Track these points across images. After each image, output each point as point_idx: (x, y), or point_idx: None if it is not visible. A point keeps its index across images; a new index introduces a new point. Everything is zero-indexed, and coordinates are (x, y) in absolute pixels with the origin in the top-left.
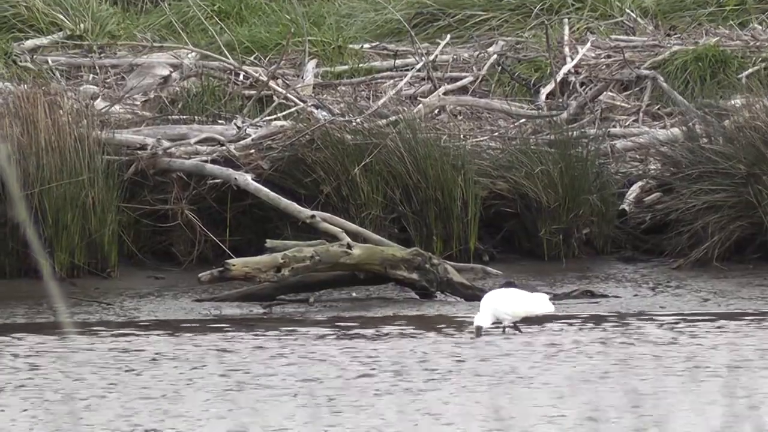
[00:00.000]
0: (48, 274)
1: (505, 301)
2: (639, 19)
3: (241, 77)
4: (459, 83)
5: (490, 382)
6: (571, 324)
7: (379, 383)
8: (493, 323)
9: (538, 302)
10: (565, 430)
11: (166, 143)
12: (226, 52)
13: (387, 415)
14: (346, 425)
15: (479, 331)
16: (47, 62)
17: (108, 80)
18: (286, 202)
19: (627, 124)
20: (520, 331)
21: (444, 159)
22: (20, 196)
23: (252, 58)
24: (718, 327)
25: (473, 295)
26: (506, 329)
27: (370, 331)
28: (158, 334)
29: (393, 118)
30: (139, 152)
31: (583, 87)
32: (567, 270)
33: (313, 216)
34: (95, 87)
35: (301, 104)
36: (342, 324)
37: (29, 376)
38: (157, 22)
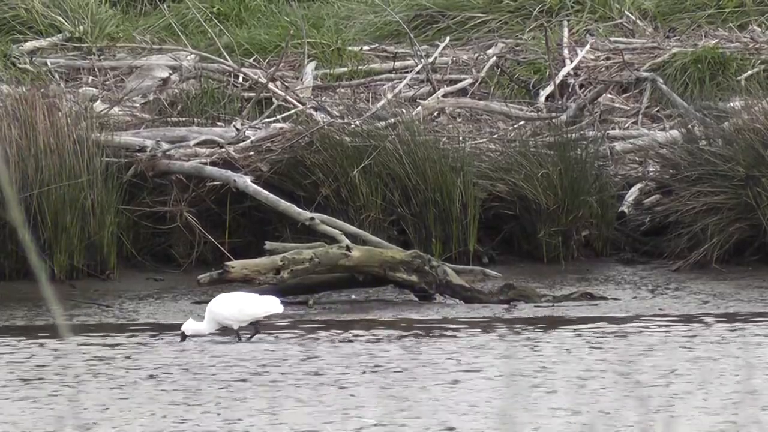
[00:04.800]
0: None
1: (225, 306)
2: (638, 21)
3: (240, 79)
4: (458, 85)
5: None
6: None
7: None
8: (221, 328)
9: (264, 304)
10: None
11: (165, 145)
12: (225, 54)
13: None
14: None
15: (183, 336)
16: (46, 64)
17: (107, 82)
18: (285, 204)
19: (626, 126)
20: (240, 339)
21: (443, 161)
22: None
23: (251, 60)
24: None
25: (472, 297)
26: (239, 334)
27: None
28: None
29: (392, 120)
30: (138, 154)
31: (583, 89)
32: (566, 272)
33: (312, 218)
34: (94, 89)
35: (301, 106)
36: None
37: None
38: (156, 24)
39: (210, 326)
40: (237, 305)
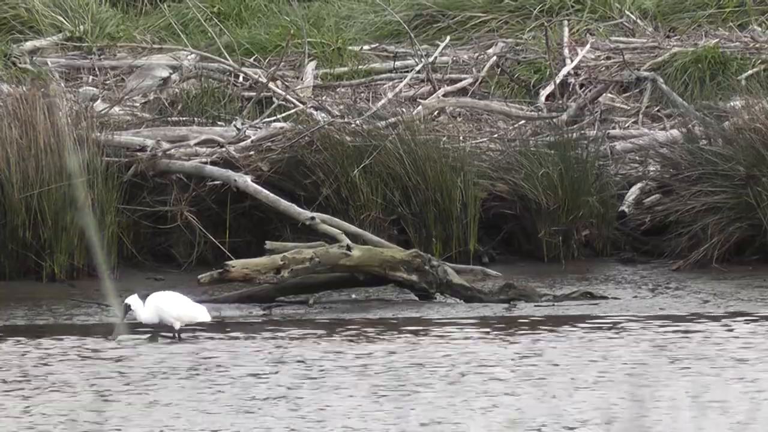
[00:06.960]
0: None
1: (171, 304)
2: (638, 20)
3: (241, 79)
4: (458, 85)
5: None
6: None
7: None
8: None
9: (198, 310)
10: None
11: (165, 145)
12: (225, 53)
13: None
14: None
15: (126, 308)
16: (47, 64)
17: (107, 82)
18: (285, 204)
19: (626, 125)
20: (180, 338)
21: (443, 161)
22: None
23: (251, 60)
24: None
25: (473, 297)
26: (177, 335)
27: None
28: None
29: (392, 119)
30: (138, 154)
31: (583, 88)
32: (566, 271)
33: (312, 218)
34: (95, 88)
35: (301, 106)
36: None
37: None
38: (156, 24)
39: (150, 317)
40: (184, 306)
